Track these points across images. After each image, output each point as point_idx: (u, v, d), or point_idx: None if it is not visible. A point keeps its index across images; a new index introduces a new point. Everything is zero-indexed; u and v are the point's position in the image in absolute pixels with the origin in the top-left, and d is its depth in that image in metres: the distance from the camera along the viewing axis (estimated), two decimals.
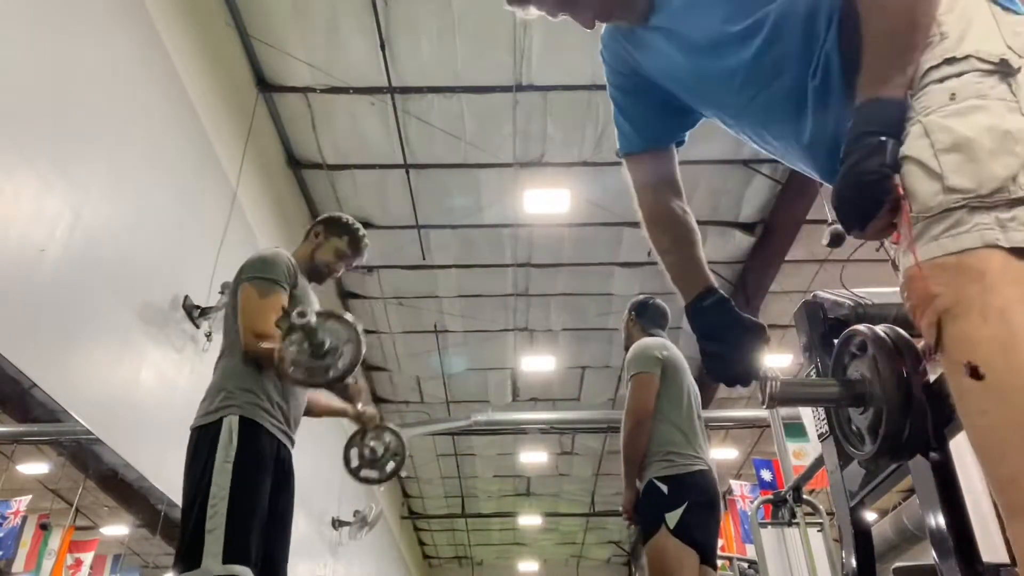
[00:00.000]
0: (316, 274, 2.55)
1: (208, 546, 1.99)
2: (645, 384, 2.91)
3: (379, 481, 2.53)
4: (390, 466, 2.52)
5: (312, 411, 2.56)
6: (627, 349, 3.15)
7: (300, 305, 2.24)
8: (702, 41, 1.24)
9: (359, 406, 2.61)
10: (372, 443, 2.51)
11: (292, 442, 2.36)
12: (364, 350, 2.03)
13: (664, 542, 2.56)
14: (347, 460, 2.53)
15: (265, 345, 2.14)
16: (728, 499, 12.99)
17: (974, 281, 0.89)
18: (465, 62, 6.76)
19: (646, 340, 3.07)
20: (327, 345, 1.95)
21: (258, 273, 2.29)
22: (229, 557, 1.98)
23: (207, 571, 1.96)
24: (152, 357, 4.76)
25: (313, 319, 1.87)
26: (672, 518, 2.57)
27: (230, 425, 2.13)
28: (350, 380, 2.21)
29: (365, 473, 2.50)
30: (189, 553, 2.02)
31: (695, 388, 3.18)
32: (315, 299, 2.51)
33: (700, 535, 2.63)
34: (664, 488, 2.67)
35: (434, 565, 19.98)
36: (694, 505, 2.63)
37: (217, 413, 2.17)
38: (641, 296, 3.32)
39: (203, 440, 2.16)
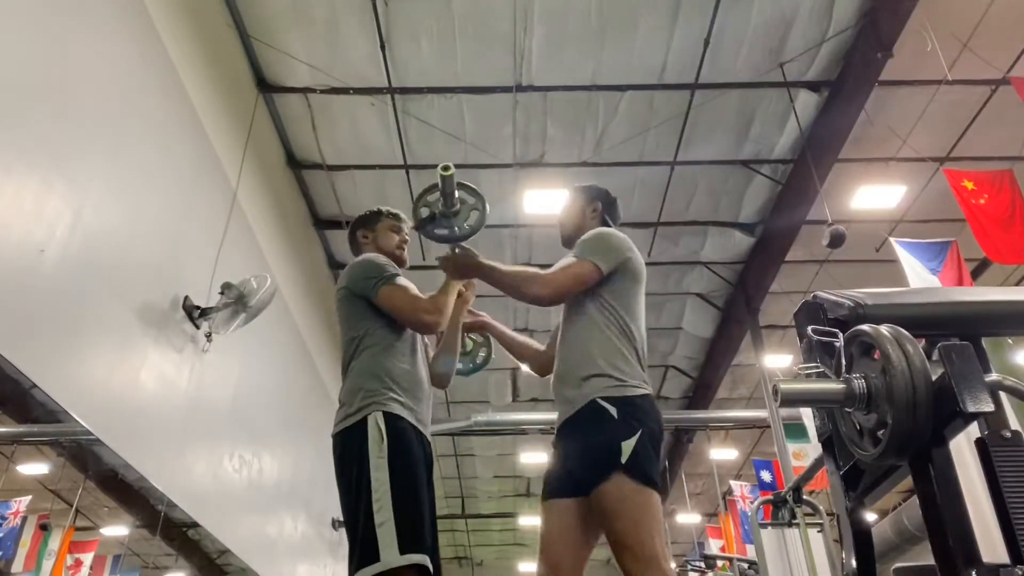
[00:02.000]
0: (397, 261, 2.64)
1: (382, 539, 1.99)
2: (586, 271, 2.25)
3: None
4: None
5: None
6: (570, 234, 2.55)
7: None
8: None
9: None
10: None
11: (428, 437, 2.43)
12: (487, 217, 2.18)
13: (623, 487, 2.01)
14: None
15: (434, 315, 2.32)
16: (728, 499, 13.01)
17: None
18: (465, 62, 6.76)
19: (616, 232, 2.43)
20: (458, 205, 2.15)
21: (378, 274, 2.39)
22: (406, 547, 1.99)
23: (387, 563, 1.96)
24: (152, 357, 4.75)
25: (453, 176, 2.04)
26: (626, 448, 2.04)
27: (376, 421, 2.18)
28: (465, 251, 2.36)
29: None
30: (365, 552, 2.01)
31: None
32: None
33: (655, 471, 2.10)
34: (613, 410, 2.11)
35: None
36: (647, 435, 2.10)
37: (360, 413, 2.23)
38: (604, 187, 2.68)
39: (351, 442, 2.21)
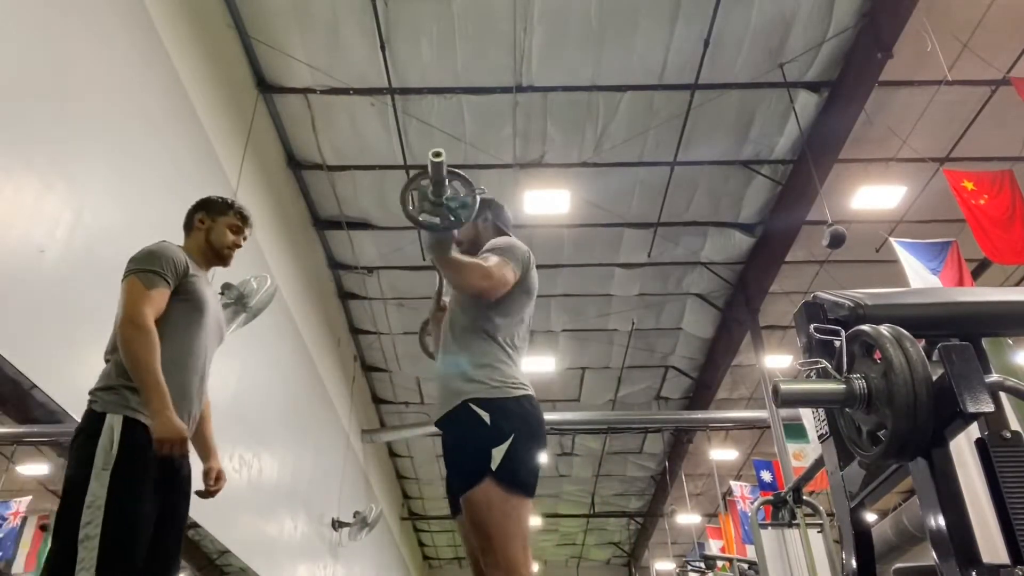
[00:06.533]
0: (219, 258, 2.52)
1: (82, 556, 1.86)
2: (511, 275, 2.24)
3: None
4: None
5: None
6: (467, 248, 2.48)
7: (198, 295, 2.30)
8: None
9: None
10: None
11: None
12: (476, 210, 2.06)
13: (490, 494, 1.97)
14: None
15: (138, 337, 2.07)
16: (728, 500, 13.02)
17: None
18: (465, 63, 6.76)
19: (523, 245, 2.42)
20: (447, 193, 2.03)
21: (140, 265, 2.23)
22: (106, 569, 1.87)
23: None
24: None
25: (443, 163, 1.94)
26: (497, 454, 1.99)
27: (111, 425, 2.03)
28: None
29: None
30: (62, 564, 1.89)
31: None
32: (211, 291, 2.48)
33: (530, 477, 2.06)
34: (485, 416, 2.06)
35: (434, 566, 19.97)
36: (520, 440, 2.05)
37: (101, 407, 2.08)
38: (491, 197, 2.60)
39: (81, 433, 2.06)
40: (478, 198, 2.09)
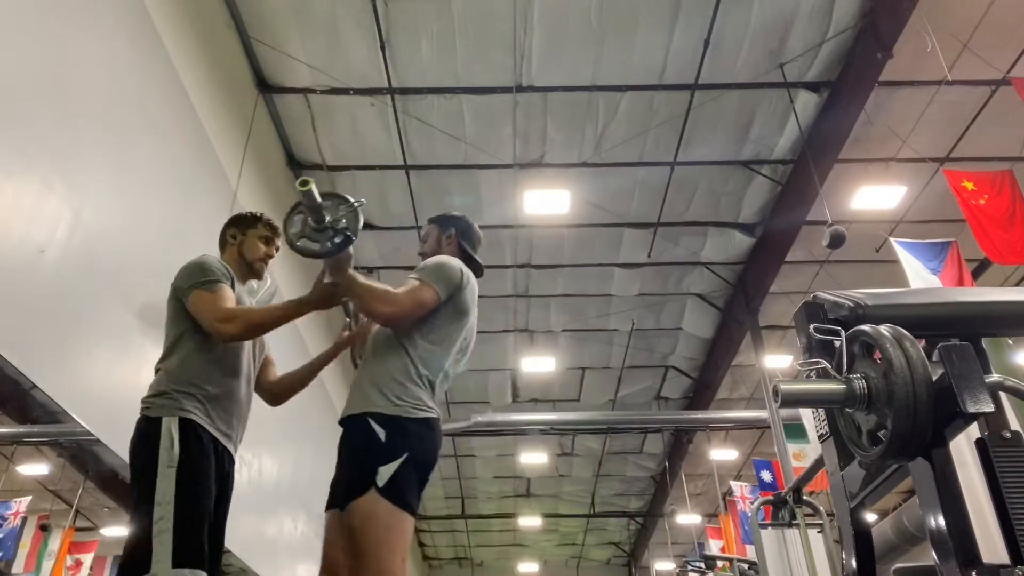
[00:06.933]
0: (252, 272, 2.60)
1: (157, 550, 1.96)
2: (429, 297, 2.23)
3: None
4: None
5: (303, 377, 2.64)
6: (423, 256, 2.57)
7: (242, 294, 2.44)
8: None
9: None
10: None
11: (232, 451, 2.36)
12: (362, 223, 2.10)
13: (374, 506, 1.99)
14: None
15: (228, 325, 2.23)
16: (728, 500, 13.01)
17: None
18: (465, 63, 6.76)
19: (455, 263, 2.42)
20: (328, 218, 2.07)
21: (197, 277, 2.33)
22: (179, 560, 1.98)
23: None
24: (152, 358, 4.72)
25: (315, 191, 1.97)
26: (385, 472, 2.00)
27: (169, 427, 2.15)
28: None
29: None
30: (137, 558, 1.99)
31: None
32: (251, 302, 2.55)
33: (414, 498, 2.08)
34: (381, 432, 2.09)
35: (434, 566, 19.97)
36: (412, 460, 2.07)
37: (157, 412, 2.20)
38: (460, 215, 2.69)
39: (142, 439, 2.18)
40: (360, 212, 2.12)
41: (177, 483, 2.05)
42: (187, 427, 2.16)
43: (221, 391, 2.29)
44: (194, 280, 2.32)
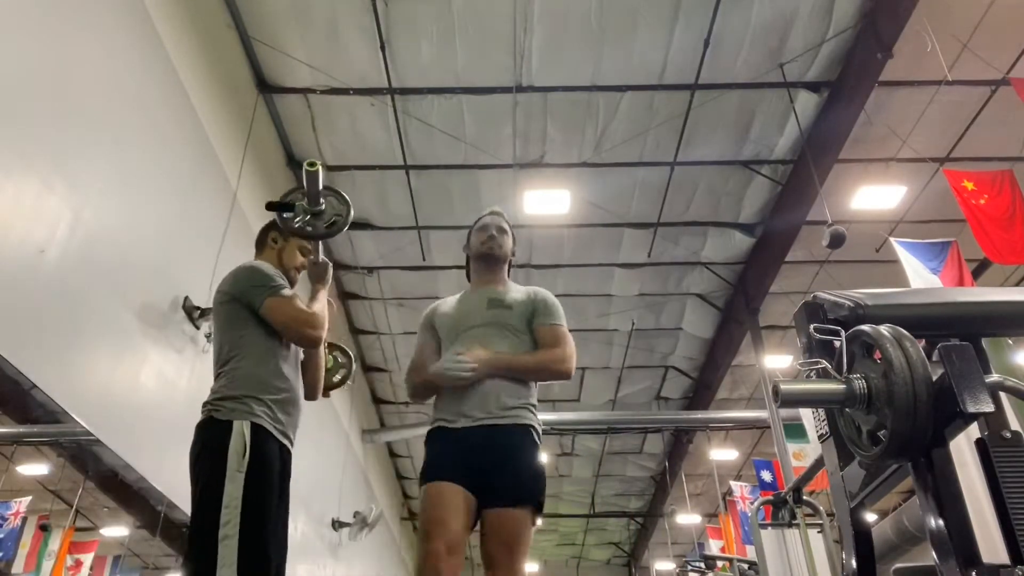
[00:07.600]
0: (287, 278, 2.61)
1: (222, 554, 1.97)
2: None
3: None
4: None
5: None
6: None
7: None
8: None
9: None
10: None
11: (291, 448, 2.39)
12: (351, 217, 2.33)
13: (534, 520, 2.27)
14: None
15: (319, 330, 2.35)
16: (728, 500, 13.01)
17: None
18: (465, 63, 6.76)
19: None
20: (322, 206, 2.26)
21: (267, 283, 2.38)
22: (244, 569, 1.99)
23: None
24: (152, 358, 4.76)
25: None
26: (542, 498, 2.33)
27: (241, 430, 2.16)
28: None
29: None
30: (202, 562, 1.99)
31: None
32: None
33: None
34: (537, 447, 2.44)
35: None
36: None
37: (228, 416, 2.20)
38: None
39: (211, 442, 2.17)
40: (351, 209, 2.32)
41: (245, 487, 2.06)
42: (258, 432, 2.17)
43: (286, 394, 2.33)
44: (264, 286, 2.35)
